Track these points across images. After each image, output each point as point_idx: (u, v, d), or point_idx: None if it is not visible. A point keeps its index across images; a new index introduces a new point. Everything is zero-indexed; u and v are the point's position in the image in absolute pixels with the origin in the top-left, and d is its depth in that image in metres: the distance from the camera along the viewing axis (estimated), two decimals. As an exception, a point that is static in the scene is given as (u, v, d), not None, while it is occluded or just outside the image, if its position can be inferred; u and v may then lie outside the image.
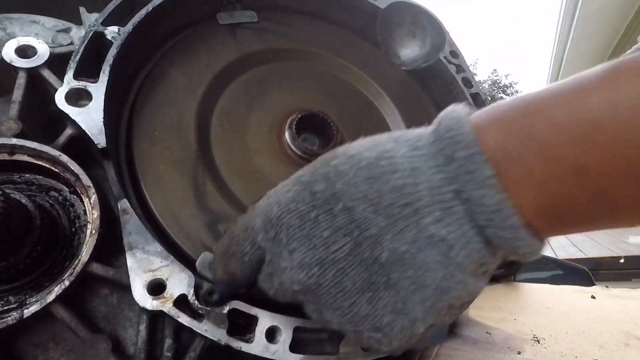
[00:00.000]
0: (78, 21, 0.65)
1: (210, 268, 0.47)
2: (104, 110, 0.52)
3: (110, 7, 0.60)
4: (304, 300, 0.35)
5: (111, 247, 0.50)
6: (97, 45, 0.57)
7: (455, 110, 0.34)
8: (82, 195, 0.51)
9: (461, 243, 0.32)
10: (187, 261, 0.50)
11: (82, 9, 0.64)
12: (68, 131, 0.53)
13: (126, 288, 0.46)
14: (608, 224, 0.33)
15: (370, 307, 0.33)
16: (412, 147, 0.34)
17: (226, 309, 0.46)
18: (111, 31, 0.58)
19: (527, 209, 0.31)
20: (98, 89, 0.53)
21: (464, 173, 0.31)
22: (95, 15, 0.61)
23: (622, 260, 3.10)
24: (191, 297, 0.46)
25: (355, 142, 0.37)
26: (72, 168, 0.50)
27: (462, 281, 0.33)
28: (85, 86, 0.53)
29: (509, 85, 19.96)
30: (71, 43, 0.61)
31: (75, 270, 0.46)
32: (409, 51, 0.82)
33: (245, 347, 0.45)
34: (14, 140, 0.49)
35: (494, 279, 1.06)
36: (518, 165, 0.31)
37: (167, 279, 0.46)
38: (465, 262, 0.32)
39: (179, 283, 0.46)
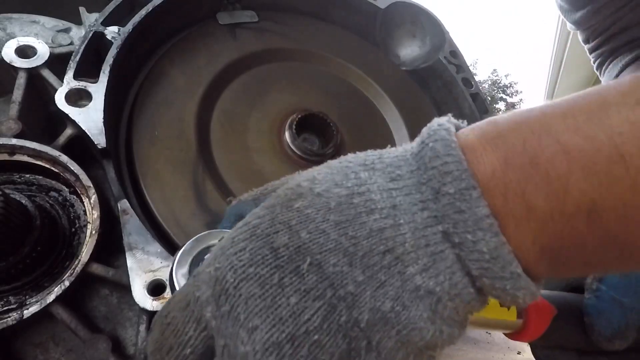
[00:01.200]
0: (78, 21, 0.65)
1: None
2: (104, 110, 0.52)
3: (110, 7, 0.60)
4: None
5: (111, 247, 0.50)
6: (97, 45, 0.57)
7: (442, 127, 0.29)
8: (82, 196, 0.51)
9: (450, 296, 0.27)
10: (187, 261, 0.50)
11: (82, 9, 0.64)
12: (68, 131, 0.53)
13: (126, 288, 0.46)
14: (617, 269, 0.29)
15: None
16: (390, 178, 0.28)
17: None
18: (111, 31, 0.58)
19: (528, 253, 0.27)
20: (98, 89, 0.53)
21: (454, 212, 0.26)
22: (95, 15, 0.61)
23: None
24: (191, 297, 0.46)
25: (322, 169, 0.31)
26: (72, 168, 0.50)
27: (450, 334, 0.28)
28: (85, 86, 0.53)
29: (509, 85, 19.98)
30: (71, 43, 0.61)
31: (75, 271, 0.46)
32: (409, 51, 0.82)
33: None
34: (14, 141, 0.49)
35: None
36: (518, 200, 0.26)
37: (167, 280, 0.46)
38: (452, 315, 0.28)
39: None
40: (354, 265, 0.27)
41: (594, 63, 0.85)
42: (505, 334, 0.41)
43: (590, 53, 0.85)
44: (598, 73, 0.85)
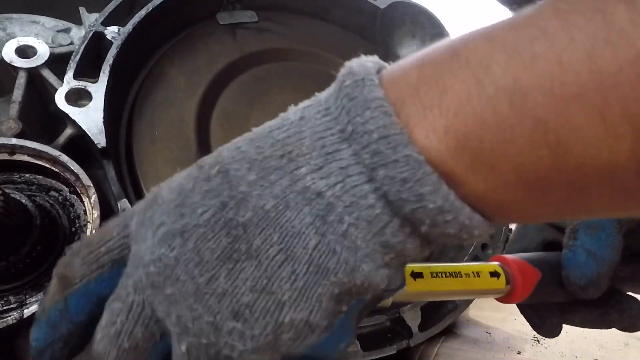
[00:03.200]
0: (78, 21, 0.65)
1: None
2: (104, 110, 0.52)
3: (110, 7, 0.60)
4: (154, 300, 0.26)
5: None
6: (97, 45, 0.58)
7: (368, 60, 0.27)
8: (82, 195, 0.51)
9: (345, 202, 0.24)
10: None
11: (82, 9, 0.64)
12: (68, 131, 0.53)
13: (126, 288, 0.46)
14: (561, 184, 0.23)
15: (230, 282, 0.25)
16: (310, 100, 0.29)
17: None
18: (111, 31, 0.58)
19: (439, 143, 0.23)
20: (98, 89, 0.53)
21: (348, 101, 0.25)
22: (95, 15, 0.61)
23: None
24: (191, 297, 0.46)
25: None
26: (72, 168, 0.50)
27: (349, 261, 0.25)
28: (85, 86, 0.53)
29: (509, 85, 19.95)
30: (71, 43, 0.61)
31: (75, 270, 0.46)
32: (409, 51, 0.82)
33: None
34: (14, 140, 0.49)
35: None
36: (431, 89, 0.24)
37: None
38: (351, 234, 0.24)
39: (179, 283, 0.46)
40: (252, 169, 0.27)
41: None
42: (496, 299, 0.46)
43: None
44: None
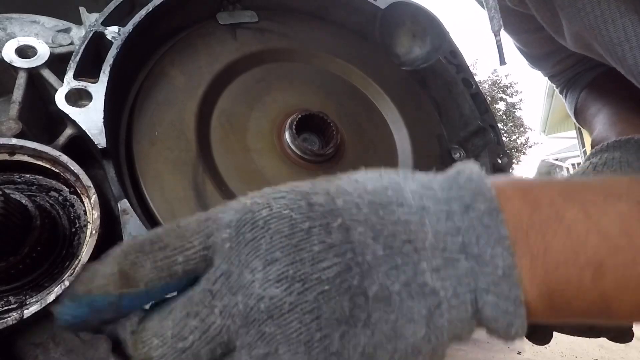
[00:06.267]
0: (78, 21, 0.65)
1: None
2: (104, 110, 0.52)
3: (110, 7, 0.60)
4: (240, 331, 0.27)
5: (111, 247, 0.50)
6: (97, 45, 0.57)
7: (475, 166, 0.32)
8: (82, 196, 0.51)
9: (450, 305, 0.29)
10: (187, 261, 0.50)
11: (82, 9, 0.64)
12: (68, 131, 0.53)
13: (126, 288, 0.46)
14: (597, 321, 0.33)
15: (341, 344, 0.27)
16: (423, 186, 0.31)
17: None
18: (111, 31, 0.58)
19: (533, 290, 0.29)
20: (98, 89, 0.53)
21: (481, 226, 0.29)
22: (95, 15, 0.61)
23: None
24: (191, 297, 0.46)
25: (358, 172, 0.34)
26: (72, 168, 0.50)
27: (434, 349, 0.29)
28: (85, 86, 0.53)
29: (509, 85, 19.94)
30: (71, 43, 0.61)
31: (76, 271, 0.46)
32: (409, 51, 0.82)
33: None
34: (14, 141, 0.49)
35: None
36: (539, 239, 0.29)
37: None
38: (444, 327, 0.29)
39: (179, 283, 0.46)
40: (377, 240, 0.29)
41: (556, 88, 1.01)
42: None
43: (550, 81, 1.00)
44: (562, 97, 0.99)
